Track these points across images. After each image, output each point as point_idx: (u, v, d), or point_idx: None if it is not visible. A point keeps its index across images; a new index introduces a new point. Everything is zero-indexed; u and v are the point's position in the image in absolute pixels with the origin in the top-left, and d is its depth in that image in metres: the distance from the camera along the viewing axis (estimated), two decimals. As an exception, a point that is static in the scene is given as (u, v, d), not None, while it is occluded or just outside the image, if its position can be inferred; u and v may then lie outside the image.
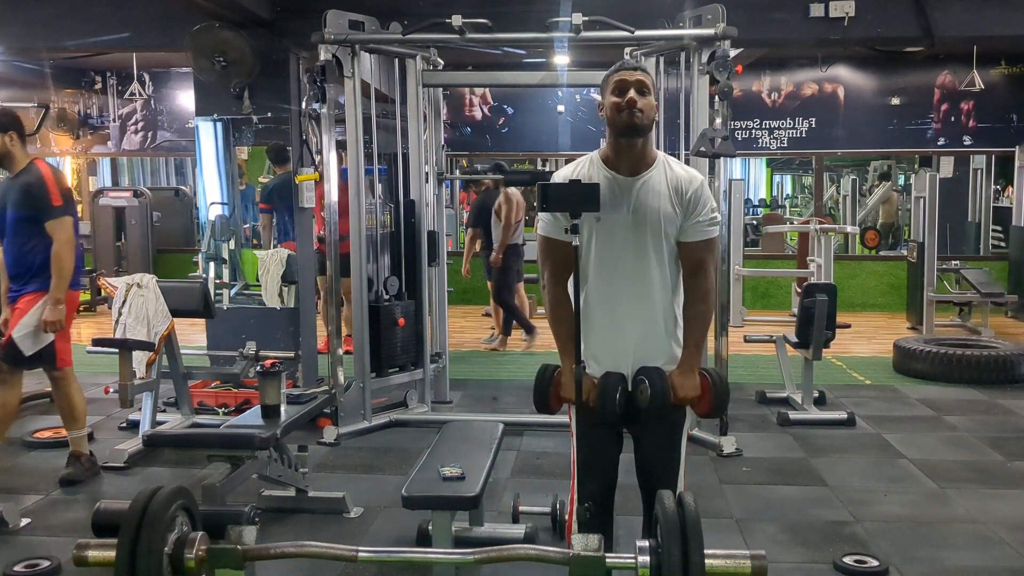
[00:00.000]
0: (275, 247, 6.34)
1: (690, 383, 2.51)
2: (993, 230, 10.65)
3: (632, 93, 2.41)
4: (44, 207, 3.95)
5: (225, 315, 5.97)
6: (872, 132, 9.68)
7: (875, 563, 3.29)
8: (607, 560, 1.95)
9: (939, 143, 9.65)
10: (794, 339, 5.46)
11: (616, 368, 2.52)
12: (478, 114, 10.06)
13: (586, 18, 4.70)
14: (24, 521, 3.73)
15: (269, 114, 5.94)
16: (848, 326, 5.98)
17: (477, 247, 7.99)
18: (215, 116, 6.11)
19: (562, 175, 2.54)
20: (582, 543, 1.97)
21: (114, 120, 10.54)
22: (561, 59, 7.16)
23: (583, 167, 2.54)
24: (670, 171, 2.51)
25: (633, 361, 2.51)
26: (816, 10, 5.67)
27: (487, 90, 9.91)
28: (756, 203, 15.08)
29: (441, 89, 5.98)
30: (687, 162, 3.76)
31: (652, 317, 2.53)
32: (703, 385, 2.53)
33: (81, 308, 9.65)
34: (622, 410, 2.46)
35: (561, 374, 2.57)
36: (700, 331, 2.57)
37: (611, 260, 2.50)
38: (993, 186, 10.95)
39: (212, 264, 6.42)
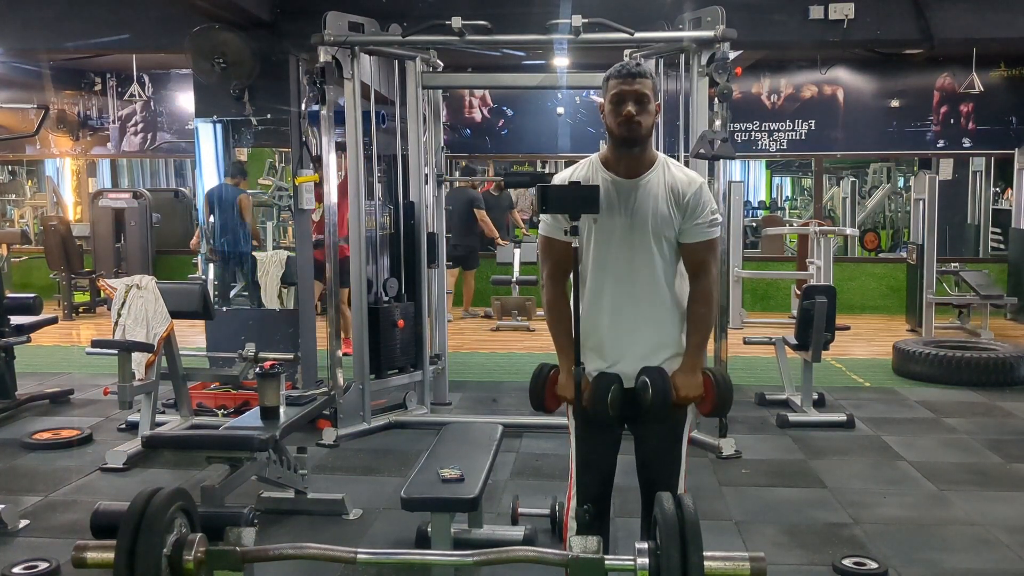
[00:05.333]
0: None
1: (692, 383, 2.51)
2: (992, 232, 10.65)
3: (630, 107, 2.41)
4: None
5: (224, 317, 5.97)
6: (871, 134, 9.69)
7: (874, 565, 3.29)
8: (606, 562, 1.95)
9: (938, 145, 9.66)
10: (793, 341, 5.46)
11: (618, 367, 2.52)
12: (478, 116, 10.07)
13: (586, 20, 4.70)
14: (23, 523, 3.73)
15: (269, 116, 5.94)
16: (847, 328, 5.97)
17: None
18: (215, 118, 6.11)
19: (562, 177, 2.55)
20: (581, 545, 1.97)
21: (114, 121, 10.54)
22: (561, 61, 7.16)
23: (583, 169, 2.54)
24: (668, 173, 2.51)
25: (635, 360, 2.51)
26: (815, 12, 5.66)
27: (487, 92, 9.92)
28: (755, 205, 15.09)
29: (440, 91, 5.97)
30: (687, 164, 3.76)
31: (653, 317, 2.53)
32: (706, 384, 2.52)
33: (81, 309, 9.68)
34: (616, 412, 2.46)
35: (558, 373, 2.58)
36: (702, 332, 2.56)
37: (611, 261, 2.50)
38: (992, 188, 10.96)
39: (211, 266, 6.42)
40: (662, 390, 2.44)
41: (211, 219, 6.34)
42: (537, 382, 2.58)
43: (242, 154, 6.36)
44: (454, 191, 9.39)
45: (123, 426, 5.19)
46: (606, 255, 2.50)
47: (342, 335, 5.43)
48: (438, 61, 5.54)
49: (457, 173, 10.08)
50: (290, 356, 4.97)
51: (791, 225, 11.42)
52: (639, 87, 2.41)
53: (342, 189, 5.28)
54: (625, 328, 2.52)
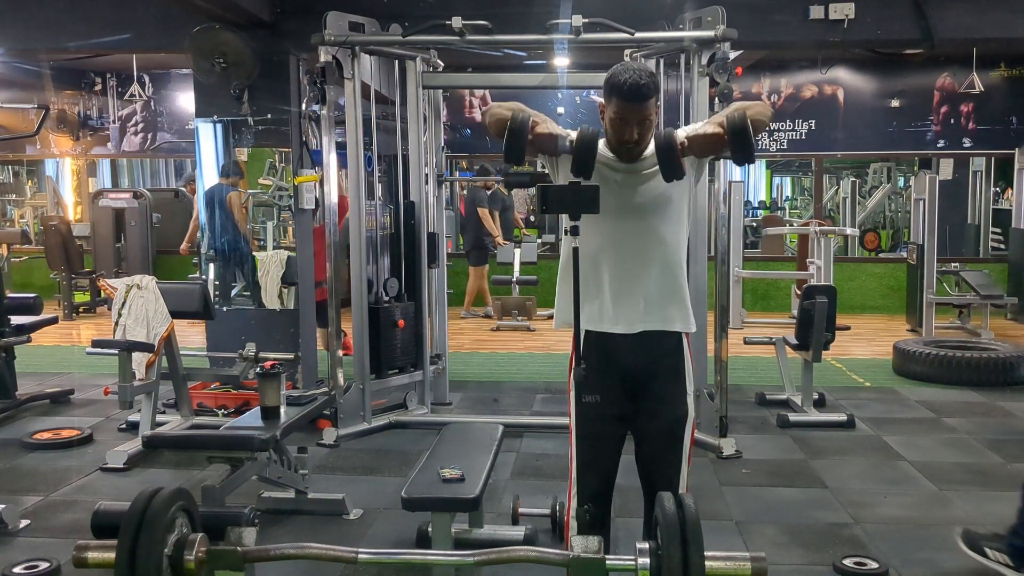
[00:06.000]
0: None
1: (707, 127, 2.37)
2: (993, 232, 10.65)
3: (635, 132, 2.39)
4: None
5: (224, 317, 5.97)
6: (872, 134, 9.69)
7: (875, 565, 3.29)
8: (607, 562, 1.95)
9: (939, 145, 9.66)
10: (794, 341, 5.46)
11: (630, 326, 2.50)
12: (478, 116, 10.07)
13: (586, 20, 4.70)
14: (23, 522, 3.73)
15: (269, 116, 5.94)
16: (848, 328, 5.98)
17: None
18: (215, 117, 6.11)
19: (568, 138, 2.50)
20: (582, 545, 1.97)
21: (114, 121, 10.55)
22: (561, 61, 7.16)
23: None
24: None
25: (647, 317, 2.50)
26: (816, 12, 5.67)
27: (487, 92, 9.91)
28: (756, 205, 15.09)
29: (441, 91, 5.98)
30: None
31: (664, 273, 2.51)
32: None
33: (81, 309, 9.68)
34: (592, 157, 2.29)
35: (534, 124, 2.36)
36: (737, 106, 2.38)
37: (621, 224, 2.49)
38: (993, 188, 10.96)
39: (211, 266, 6.42)
40: (664, 137, 2.30)
41: (205, 218, 6.35)
42: (520, 129, 2.31)
43: (242, 154, 6.36)
44: (468, 191, 9.89)
45: (123, 426, 5.20)
46: (616, 220, 2.48)
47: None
48: (438, 61, 5.54)
49: (457, 173, 10.09)
50: (290, 356, 4.96)
51: (791, 225, 11.42)
52: (643, 110, 2.38)
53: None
54: (638, 287, 2.50)
